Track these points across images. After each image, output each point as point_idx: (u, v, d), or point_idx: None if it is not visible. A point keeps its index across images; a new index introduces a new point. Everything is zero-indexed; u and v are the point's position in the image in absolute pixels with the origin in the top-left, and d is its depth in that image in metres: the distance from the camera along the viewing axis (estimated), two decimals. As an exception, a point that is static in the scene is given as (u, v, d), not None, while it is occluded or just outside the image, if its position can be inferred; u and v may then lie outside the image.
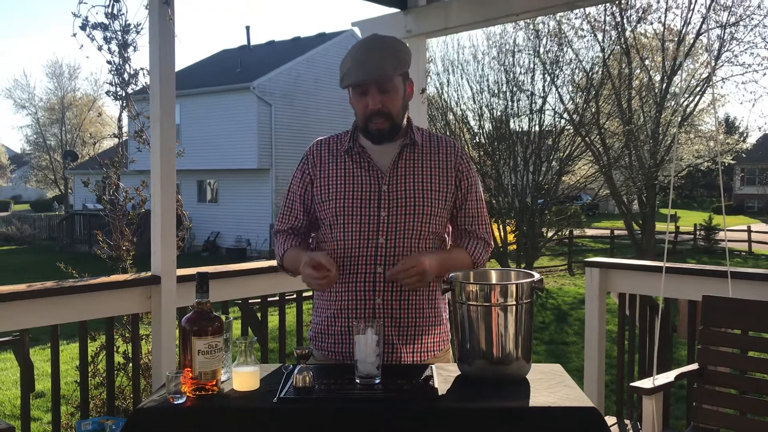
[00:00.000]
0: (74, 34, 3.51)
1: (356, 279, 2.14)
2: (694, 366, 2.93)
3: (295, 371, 1.87)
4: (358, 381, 1.88)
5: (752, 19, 16.89)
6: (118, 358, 3.82)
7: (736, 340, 2.97)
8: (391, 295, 2.13)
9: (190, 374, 1.81)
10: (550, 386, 1.89)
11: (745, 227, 25.97)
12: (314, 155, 2.26)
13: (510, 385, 1.89)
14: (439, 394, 1.81)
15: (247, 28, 29.37)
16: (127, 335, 3.82)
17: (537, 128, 16.51)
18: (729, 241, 24.98)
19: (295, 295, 4.13)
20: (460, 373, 1.97)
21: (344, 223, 2.15)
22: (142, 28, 3.65)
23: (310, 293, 4.15)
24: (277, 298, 3.99)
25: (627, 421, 4.00)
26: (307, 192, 2.24)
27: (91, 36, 3.62)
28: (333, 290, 2.18)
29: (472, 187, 2.26)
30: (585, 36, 17.29)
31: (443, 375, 1.97)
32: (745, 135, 22.85)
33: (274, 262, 4.04)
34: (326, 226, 2.20)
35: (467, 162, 2.27)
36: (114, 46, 3.73)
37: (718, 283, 3.33)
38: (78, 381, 3.32)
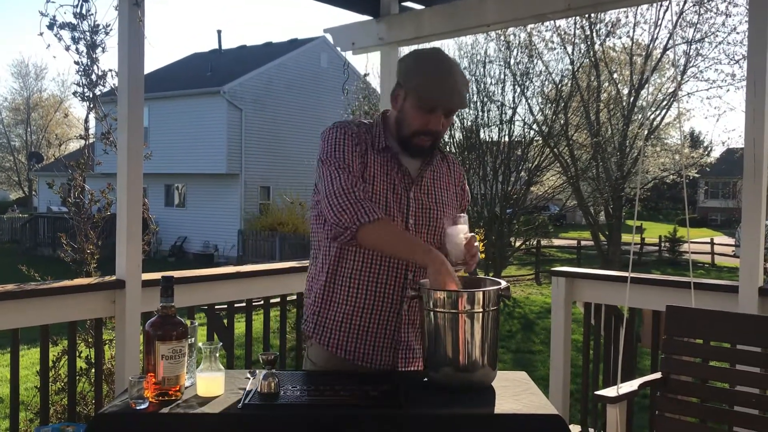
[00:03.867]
0: (41, 33, 3.46)
1: (386, 281, 2.10)
2: (658, 375, 2.97)
3: (261, 377, 1.85)
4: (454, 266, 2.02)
5: (717, 36, 17.25)
6: (81, 364, 3.76)
7: (699, 349, 3.02)
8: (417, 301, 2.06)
9: (154, 379, 1.78)
10: (515, 393, 1.90)
11: (708, 240, 26.46)
12: (358, 136, 2.13)
13: (476, 392, 1.89)
14: (406, 400, 1.81)
15: (219, 32, 29.18)
16: (90, 340, 3.75)
17: (507, 138, 16.70)
18: (693, 253, 25.31)
19: (262, 302, 4.10)
20: (427, 380, 1.97)
21: None
22: (111, 29, 3.61)
23: (277, 300, 4.13)
24: (243, 304, 3.95)
25: (591, 430, 4.04)
26: (362, 169, 2.10)
27: (58, 36, 3.56)
28: (354, 286, 2.11)
29: (467, 203, 2.38)
30: (555, 48, 17.56)
31: (410, 382, 1.96)
32: (709, 149, 23.22)
33: (242, 268, 4.04)
34: None
35: (465, 179, 2.37)
36: (82, 47, 3.67)
37: (682, 294, 3.38)
38: (38, 386, 3.25)
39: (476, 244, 2.10)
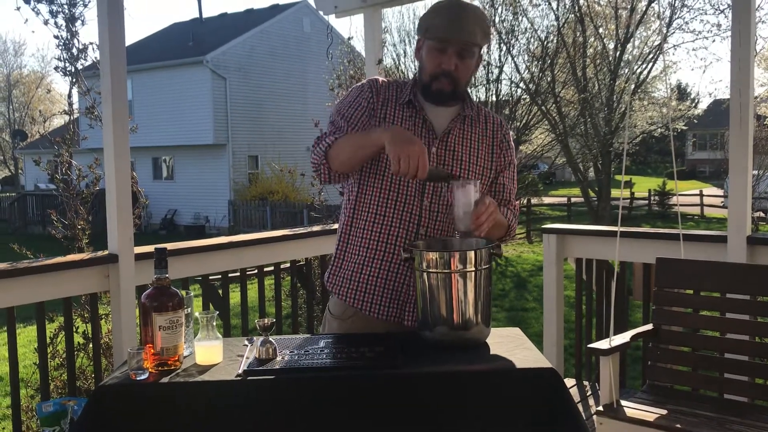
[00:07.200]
0: (18, 8, 3.41)
1: (396, 234, 2.11)
2: (649, 326, 3.01)
3: (258, 343, 1.87)
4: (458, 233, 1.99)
5: (702, -15, 17.13)
6: (78, 339, 3.77)
7: (689, 299, 3.06)
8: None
9: (152, 350, 1.80)
10: (509, 349, 1.93)
11: (697, 191, 26.61)
12: (379, 91, 2.18)
13: (471, 350, 1.92)
14: (402, 360, 1.83)
15: (199, 0, 28.76)
16: (86, 315, 3.77)
17: (494, 98, 16.60)
18: (682, 205, 25.57)
19: (256, 271, 4.11)
20: (422, 339, 1.99)
21: (392, 176, 2.09)
22: (89, 1, 3.56)
23: (270, 269, 4.15)
24: (237, 274, 3.97)
25: (585, 383, 4.11)
26: (366, 124, 2.14)
27: (36, 9, 3.52)
28: (367, 237, 2.14)
29: (511, 164, 2.28)
30: (540, 5, 17.37)
31: (406, 341, 1.99)
32: (696, 101, 23.30)
33: (234, 238, 4.04)
34: (369, 173, 2.14)
35: (509, 139, 2.29)
36: (61, 20, 3.63)
37: (672, 246, 3.41)
38: (37, 363, 3.27)
39: (491, 210, 1.95)
